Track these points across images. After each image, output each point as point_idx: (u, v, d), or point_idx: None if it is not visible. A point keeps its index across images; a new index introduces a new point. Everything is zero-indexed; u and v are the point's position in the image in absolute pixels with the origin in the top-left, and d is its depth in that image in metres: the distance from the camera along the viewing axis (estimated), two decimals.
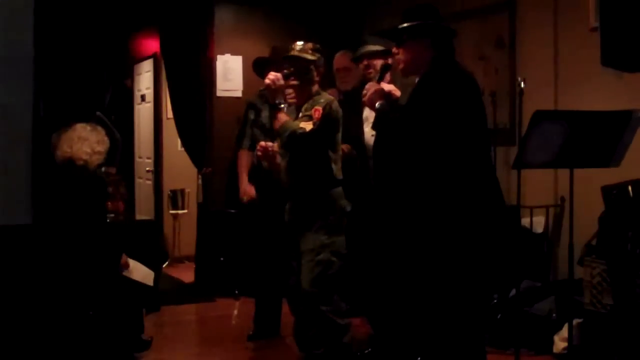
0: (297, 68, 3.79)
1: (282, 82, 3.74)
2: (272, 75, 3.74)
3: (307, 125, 3.70)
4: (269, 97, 3.87)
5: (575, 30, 4.66)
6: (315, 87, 3.84)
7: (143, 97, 7.96)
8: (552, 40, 4.86)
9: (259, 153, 3.96)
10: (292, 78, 3.79)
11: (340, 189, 3.83)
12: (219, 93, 6.24)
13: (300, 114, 3.82)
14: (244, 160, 4.77)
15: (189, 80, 6.25)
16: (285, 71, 3.81)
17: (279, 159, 3.93)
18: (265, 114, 4.56)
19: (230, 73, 6.25)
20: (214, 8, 6.23)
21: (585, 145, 3.27)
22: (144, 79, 7.93)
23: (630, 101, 3.92)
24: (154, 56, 7.49)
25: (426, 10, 3.12)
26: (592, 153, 3.32)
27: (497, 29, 5.29)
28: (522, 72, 4.90)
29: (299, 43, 3.84)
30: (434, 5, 3.16)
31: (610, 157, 3.34)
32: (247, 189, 4.72)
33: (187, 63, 6.23)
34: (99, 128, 4.31)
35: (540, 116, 3.14)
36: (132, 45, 7.90)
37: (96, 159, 4.18)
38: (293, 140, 3.72)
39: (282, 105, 3.78)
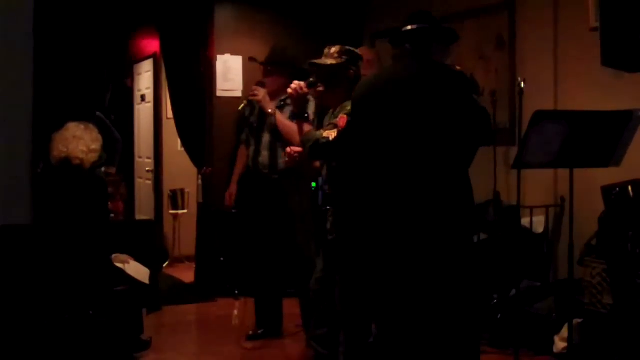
0: (320, 75, 3.66)
1: (305, 90, 3.67)
2: (295, 84, 3.63)
3: (332, 134, 3.60)
4: (293, 106, 3.80)
5: (575, 30, 4.66)
6: (346, 91, 3.63)
7: (143, 97, 7.96)
8: (552, 40, 4.86)
9: (287, 159, 3.97)
10: (318, 85, 3.69)
11: None
12: (219, 93, 6.23)
13: (327, 121, 3.72)
14: (239, 157, 4.89)
15: (189, 80, 6.25)
16: (311, 79, 3.72)
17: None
18: (255, 112, 4.58)
19: (230, 73, 6.25)
20: (214, 8, 6.22)
21: (585, 145, 3.28)
22: (144, 79, 7.93)
23: (630, 101, 3.91)
24: (154, 56, 7.49)
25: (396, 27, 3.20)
26: (592, 153, 3.32)
27: (497, 29, 5.28)
28: (522, 72, 4.89)
29: (327, 50, 3.67)
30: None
31: (610, 157, 3.35)
32: (231, 194, 4.91)
33: (187, 63, 6.22)
34: (91, 126, 4.31)
35: (540, 116, 3.15)
36: (132, 45, 7.87)
37: (92, 157, 4.19)
38: (316, 150, 3.64)
39: (306, 115, 3.72)
